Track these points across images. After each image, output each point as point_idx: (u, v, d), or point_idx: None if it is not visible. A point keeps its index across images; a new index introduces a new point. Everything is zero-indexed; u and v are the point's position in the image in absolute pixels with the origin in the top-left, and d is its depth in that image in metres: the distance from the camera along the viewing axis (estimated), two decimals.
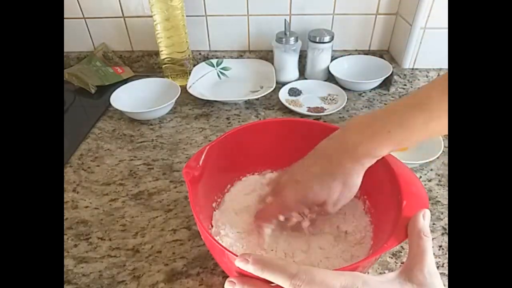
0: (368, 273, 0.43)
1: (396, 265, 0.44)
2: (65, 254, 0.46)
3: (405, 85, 0.79)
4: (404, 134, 0.34)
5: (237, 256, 0.30)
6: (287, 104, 0.73)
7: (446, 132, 0.32)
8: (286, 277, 0.27)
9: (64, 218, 0.51)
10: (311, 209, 0.40)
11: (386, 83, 0.80)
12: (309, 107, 0.73)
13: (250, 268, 0.28)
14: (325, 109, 0.72)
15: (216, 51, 0.90)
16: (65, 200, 0.54)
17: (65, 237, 0.48)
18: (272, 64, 0.84)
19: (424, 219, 0.32)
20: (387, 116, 0.35)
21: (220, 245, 0.32)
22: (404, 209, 0.34)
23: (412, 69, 0.77)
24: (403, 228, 0.33)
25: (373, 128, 0.35)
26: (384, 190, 0.41)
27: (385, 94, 0.79)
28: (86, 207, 0.53)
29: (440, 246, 0.46)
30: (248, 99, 0.76)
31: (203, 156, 0.42)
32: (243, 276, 0.31)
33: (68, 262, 0.45)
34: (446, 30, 0.71)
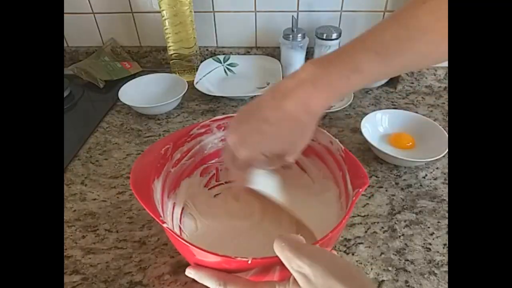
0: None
1: (400, 262, 0.44)
2: (73, 245, 0.47)
3: (412, 83, 0.78)
4: (361, 78, 0.34)
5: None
6: None
7: (398, 73, 0.33)
8: None
9: (72, 210, 0.52)
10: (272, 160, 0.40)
11: (393, 81, 0.79)
12: None
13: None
14: (332, 106, 0.72)
15: (223, 47, 0.90)
16: (73, 193, 0.55)
17: (73, 228, 0.49)
18: (279, 60, 0.84)
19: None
20: (344, 61, 0.34)
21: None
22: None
23: None
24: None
25: (331, 76, 0.34)
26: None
27: (392, 92, 0.78)
28: (94, 199, 0.54)
29: (445, 245, 0.46)
30: (255, 96, 0.77)
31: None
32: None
33: (76, 253, 0.46)
34: None
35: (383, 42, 0.32)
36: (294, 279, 0.28)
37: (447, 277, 0.42)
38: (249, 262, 0.30)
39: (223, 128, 0.50)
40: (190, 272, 0.34)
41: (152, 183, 0.40)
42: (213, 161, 0.52)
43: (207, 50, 0.90)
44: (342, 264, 0.27)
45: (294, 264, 0.27)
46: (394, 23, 0.32)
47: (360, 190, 0.37)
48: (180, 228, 0.45)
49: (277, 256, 0.29)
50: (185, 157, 0.48)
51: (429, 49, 0.32)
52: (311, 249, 0.28)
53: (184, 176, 0.49)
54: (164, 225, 0.33)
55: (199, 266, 0.34)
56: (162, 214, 0.38)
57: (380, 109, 0.67)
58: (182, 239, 0.33)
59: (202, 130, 0.49)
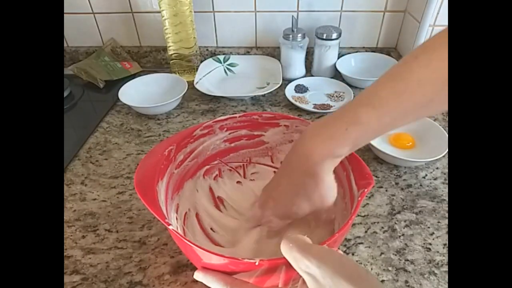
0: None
1: (400, 262, 0.44)
2: (73, 245, 0.47)
3: None
4: (361, 130, 0.34)
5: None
6: (293, 101, 0.73)
7: (401, 126, 0.33)
8: None
9: (72, 210, 0.52)
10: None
11: None
12: (315, 104, 0.73)
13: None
14: (331, 106, 0.72)
15: (223, 47, 0.90)
16: (73, 193, 0.55)
17: (73, 228, 0.49)
18: (279, 60, 0.84)
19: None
20: (342, 115, 0.34)
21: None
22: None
23: None
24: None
25: (329, 129, 0.35)
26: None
27: None
28: (94, 199, 0.54)
29: (445, 245, 0.46)
30: (255, 96, 0.77)
31: None
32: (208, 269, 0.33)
33: (76, 253, 0.46)
34: None
35: (380, 97, 0.32)
36: (303, 281, 0.28)
37: (447, 277, 0.42)
38: (257, 263, 0.29)
39: (225, 129, 0.50)
40: (198, 276, 0.34)
41: (156, 184, 0.40)
42: (215, 162, 0.52)
43: (207, 50, 0.90)
44: (351, 264, 0.27)
45: (303, 264, 0.27)
46: (390, 79, 0.32)
47: (366, 190, 0.37)
48: (183, 229, 0.45)
49: (284, 257, 0.29)
50: (188, 158, 0.48)
51: (427, 100, 0.31)
52: (319, 249, 0.28)
53: (187, 177, 0.49)
54: (170, 227, 0.33)
55: (207, 269, 0.34)
56: (166, 216, 0.38)
57: None
58: (188, 241, 0.32)
59: (205, 131, 0.49)
